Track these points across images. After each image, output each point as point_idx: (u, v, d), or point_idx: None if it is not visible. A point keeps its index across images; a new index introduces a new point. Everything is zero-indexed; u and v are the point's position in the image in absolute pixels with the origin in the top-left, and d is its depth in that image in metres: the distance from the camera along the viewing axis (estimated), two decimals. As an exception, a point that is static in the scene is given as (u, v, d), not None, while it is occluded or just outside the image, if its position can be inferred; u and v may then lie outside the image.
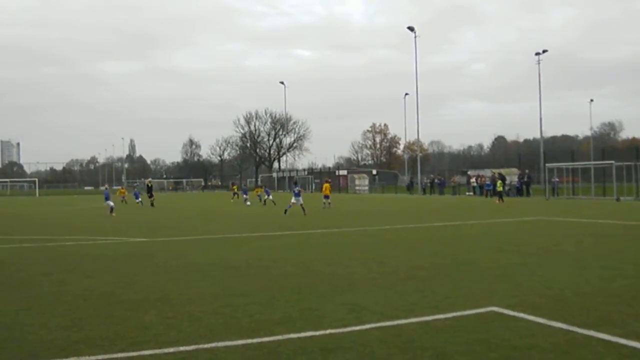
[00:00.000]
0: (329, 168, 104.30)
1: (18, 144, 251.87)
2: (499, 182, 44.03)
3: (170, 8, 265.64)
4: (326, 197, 37.04)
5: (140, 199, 46.91)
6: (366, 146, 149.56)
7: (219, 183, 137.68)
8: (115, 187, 77.64)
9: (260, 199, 46.43)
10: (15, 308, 8.58)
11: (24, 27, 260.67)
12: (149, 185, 47.04)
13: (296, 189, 31.80)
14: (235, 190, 54.89)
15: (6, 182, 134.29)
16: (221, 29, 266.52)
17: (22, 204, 58.41)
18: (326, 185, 38.15)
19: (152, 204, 42.45)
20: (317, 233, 20.54)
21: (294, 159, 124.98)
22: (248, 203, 43.74)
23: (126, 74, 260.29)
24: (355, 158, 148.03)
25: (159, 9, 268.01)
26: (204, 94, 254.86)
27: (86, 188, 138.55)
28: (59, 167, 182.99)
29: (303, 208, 30.60)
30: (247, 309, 8.24)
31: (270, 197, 44.26)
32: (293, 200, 31.23)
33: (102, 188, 45.88)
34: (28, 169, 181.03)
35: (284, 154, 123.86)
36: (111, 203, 33.91)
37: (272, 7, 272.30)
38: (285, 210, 31.02)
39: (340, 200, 47.73)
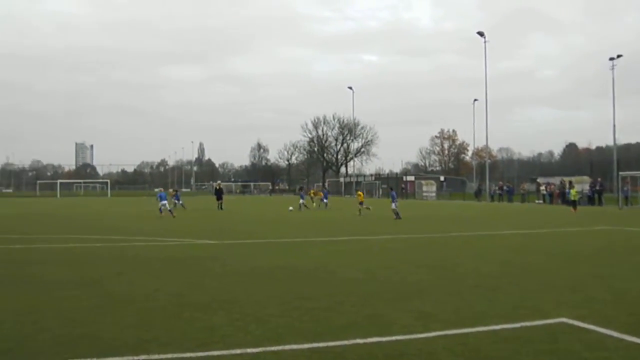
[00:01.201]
0: (396, 174, 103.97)
1: (91, 146, 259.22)
2: (573, 191, 42.95)
3: (237, 14, 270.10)
4: (360, 203, 37.67)
5: (181, 202, 42.80)
6: (434, 152, 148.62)
7: (287, 187, 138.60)
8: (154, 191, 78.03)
9: (323, 202, 46.57)
10: (89, 305, 8.84)
11: (93, 34, 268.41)
12: (218, 187, 46.73)
13: (393, 194, 32.40)
14: (312, 195, 52.92)
15: (80, 183, 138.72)
16: (287, 35, 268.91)
17: (95, 204, 59.88)
18: (359, 192, 40.00)
19: (220, 207, 42.50)
20: (383, 239, 20.47)
21: (361, 164, 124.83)
22: (290, 208, 41.93)
23: (194, 81, 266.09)
24: (422, 164, 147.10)
25: (225, 14, 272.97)
26: (272, 99, 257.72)
27: (156, 190, 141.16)
28: (130, 169, 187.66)
29: (397, 213, 31.08)
30: (314, 313, 8.28)
31: (302, 201, 43.52)
32: (393, 205, 31.73)
33: (156, 190, 45.59)
34: (101, 171, 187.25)
35: (351, 159, 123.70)
36: (164, 204, 34.80)
37: (338, 12, 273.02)
38: (398, 215, 31.20)
39: (407, 206, 47.43)
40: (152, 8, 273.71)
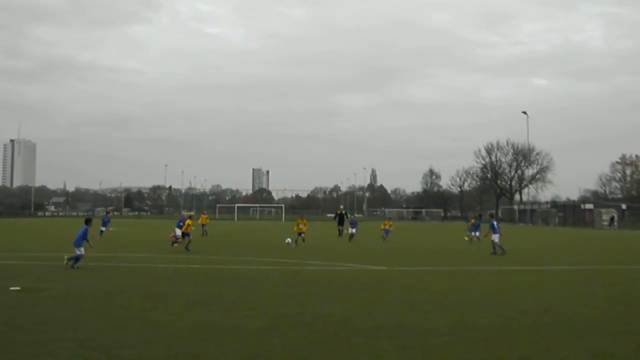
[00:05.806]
0: (574, 201, 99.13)
1: (267, 172, 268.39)
2: None
3: (405, 42, 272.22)
4: (386, 231, 36.30)
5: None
6: (614, 179, 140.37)
7: (459, 214, 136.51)
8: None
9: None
10: (259, 326, 9.08)
11: (272, 65, 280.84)
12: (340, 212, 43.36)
13: (493, 223, 30.17)
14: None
15: (256, 207, 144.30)
16: (456, 61, 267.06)
17: (268, 228, 61.70)
18: (386, 222, 37.70)
19: (340, 233, 39.74)
20: (558, 270, 19.59)
21: (537, 191, 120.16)
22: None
23: (365, 107, 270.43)
24: (602, 191, 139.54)
25: (394, 42, 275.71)
26: (442, 125, 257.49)
27: (328, 215, 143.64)
28: (303, 194, 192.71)
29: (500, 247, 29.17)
30: (484, 344, 8.03)
31: None
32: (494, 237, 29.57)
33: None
34: (276, 196, 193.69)
35: (525, 186, 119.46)
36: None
37: (505, 37, 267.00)
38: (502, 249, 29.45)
39: (589, 237, 45.14)
40: (323, 42, 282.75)
